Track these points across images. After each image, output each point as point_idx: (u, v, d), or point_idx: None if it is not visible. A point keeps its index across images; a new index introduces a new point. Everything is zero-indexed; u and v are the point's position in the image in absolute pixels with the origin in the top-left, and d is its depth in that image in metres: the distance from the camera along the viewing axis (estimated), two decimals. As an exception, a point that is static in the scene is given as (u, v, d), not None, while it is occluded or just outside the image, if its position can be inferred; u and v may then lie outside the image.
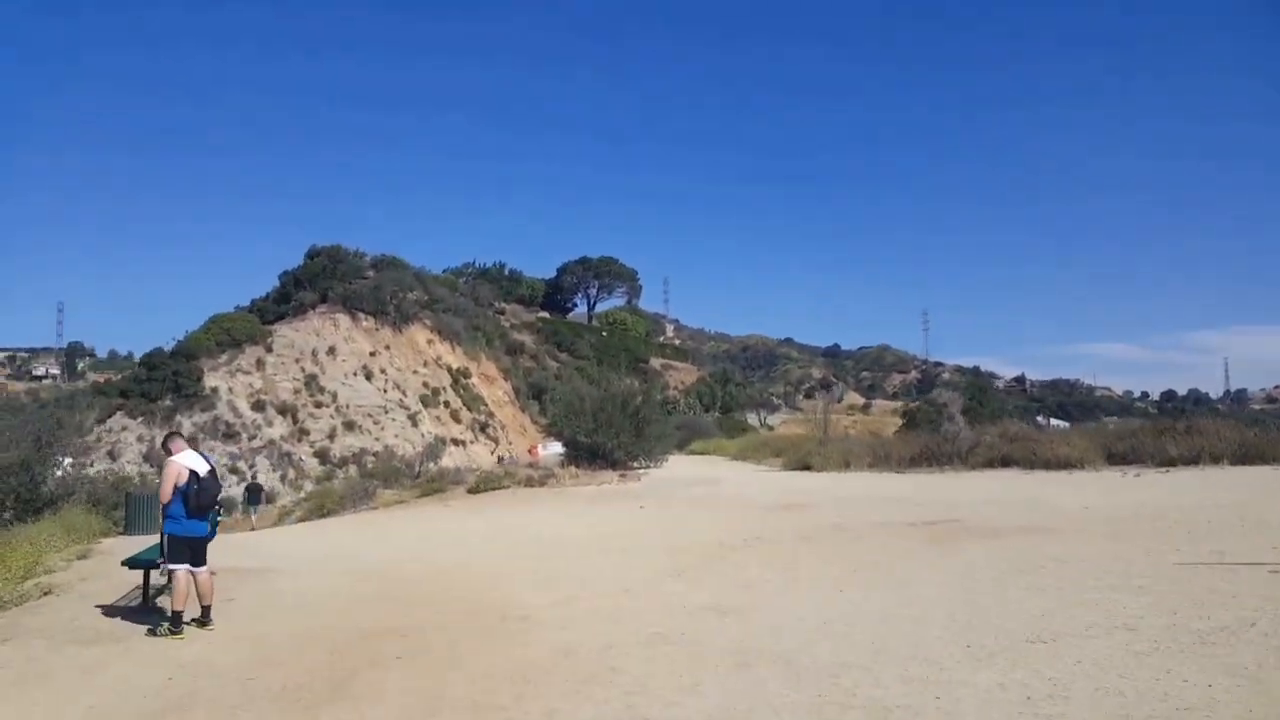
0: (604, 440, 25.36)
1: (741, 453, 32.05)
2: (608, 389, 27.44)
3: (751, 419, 73.70)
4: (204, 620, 6.88)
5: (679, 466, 28.24)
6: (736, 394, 76.90)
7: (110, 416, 35.15)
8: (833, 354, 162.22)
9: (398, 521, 17.40)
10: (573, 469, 24.37)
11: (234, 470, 35.94)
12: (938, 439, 23.46)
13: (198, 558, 6.85)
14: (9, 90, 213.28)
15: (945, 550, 9.22)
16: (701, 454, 36.87)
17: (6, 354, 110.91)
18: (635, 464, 26.38)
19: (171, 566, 6.76)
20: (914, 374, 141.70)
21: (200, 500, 6.74)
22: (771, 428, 69.97)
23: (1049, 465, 17.84)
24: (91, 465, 32.51)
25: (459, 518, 16.95)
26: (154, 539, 9.02)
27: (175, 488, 6.68)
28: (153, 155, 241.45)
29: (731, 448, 35.26)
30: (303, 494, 32.38)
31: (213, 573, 7.08)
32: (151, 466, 33.67)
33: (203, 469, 6.84)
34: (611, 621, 6.81)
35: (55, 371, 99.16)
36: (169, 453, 6.90)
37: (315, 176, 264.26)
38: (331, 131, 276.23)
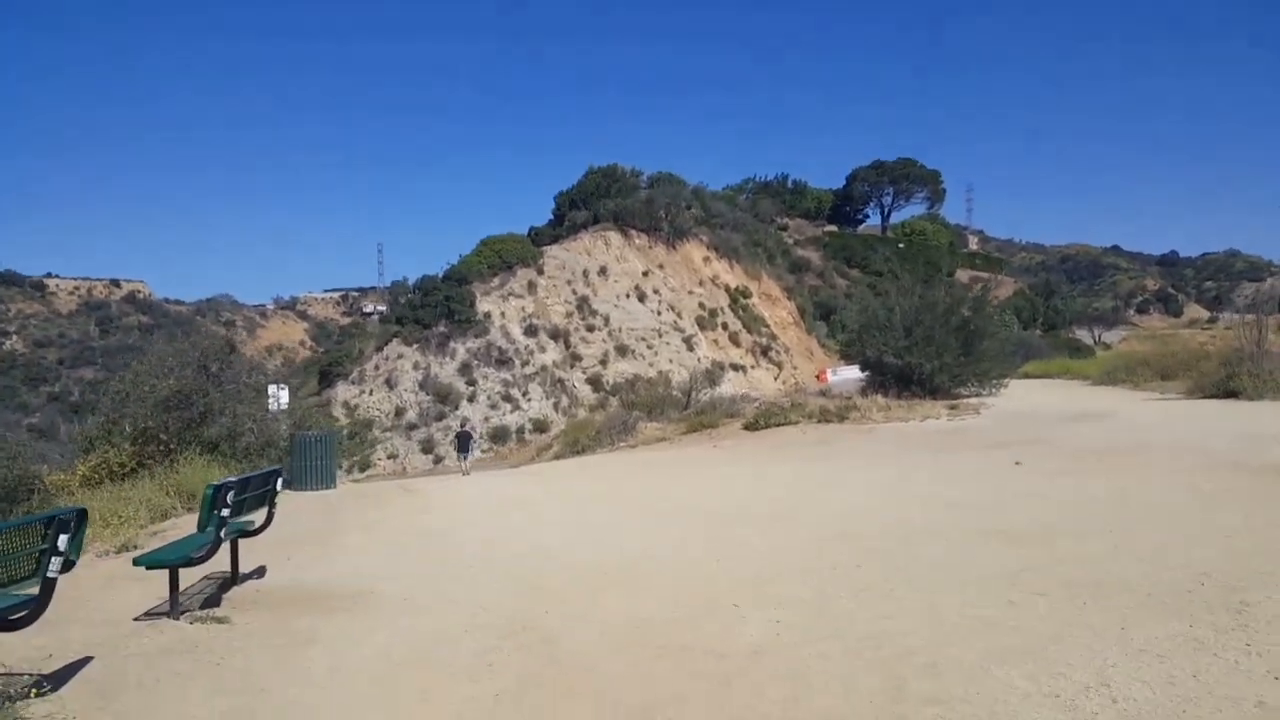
0: (920, 361, 19.34)
1: (1110, 375, 23.99)
2: (924, 296, 21.04)
3: (1083, 336, 61.74)
4: None
5: (1022, 393, 21.31)
6: (1064, 308, 64.68)
7: (387, 344, 34.93)
8: (1169, 262, 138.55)
9: (646, 472, 12.99)
10: (879, 398, 18.69)
11: (507, 398, 34.35)
12: None
13: None
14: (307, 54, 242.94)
15: None
16: (1040, 377, 29.15)
17: (340, 294, 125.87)
18: (964, 391, 20.06)
19: None
20: (1270, 282, 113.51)
21: None
22: (1109, 346, 57.89)
23: None
24: (370, 394, 32.38)
25: (727, 471, 12.13)
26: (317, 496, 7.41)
27: None
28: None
29: (1091, 369, 27.18)
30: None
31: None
32: (427, 394, 32.88)
33: None
34: None
35: (382, 308, 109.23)
36: None
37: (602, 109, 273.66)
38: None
